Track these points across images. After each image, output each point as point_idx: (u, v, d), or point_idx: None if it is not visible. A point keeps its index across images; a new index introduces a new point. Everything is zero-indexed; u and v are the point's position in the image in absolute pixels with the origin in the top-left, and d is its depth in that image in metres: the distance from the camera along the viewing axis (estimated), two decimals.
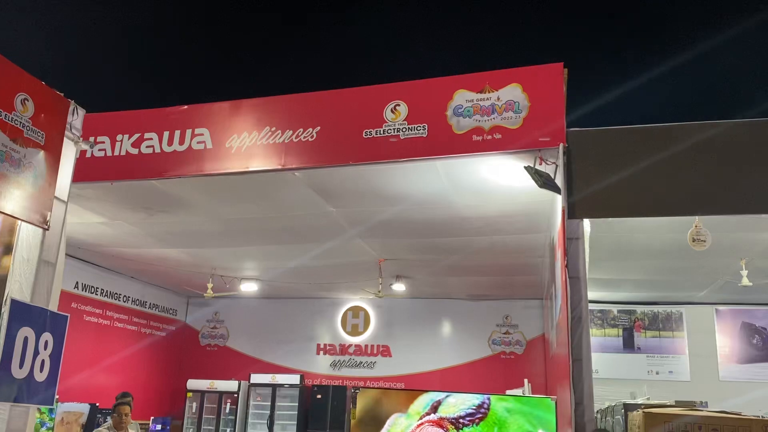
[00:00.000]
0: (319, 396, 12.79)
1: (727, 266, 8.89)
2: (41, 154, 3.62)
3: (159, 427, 11.91)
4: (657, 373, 11.60)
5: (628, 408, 5.07)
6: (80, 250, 9.92)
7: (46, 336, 3.54)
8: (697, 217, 5.40)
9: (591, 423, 4.86)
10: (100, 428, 6.20)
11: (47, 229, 3.65)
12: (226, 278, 11.36)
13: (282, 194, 7.04)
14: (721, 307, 11.80)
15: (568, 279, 5.22)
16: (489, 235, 8.28)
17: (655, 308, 11.98)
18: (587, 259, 5.42)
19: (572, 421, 4.85)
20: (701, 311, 11.81)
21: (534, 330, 12.73)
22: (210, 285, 10.74)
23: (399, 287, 11.46)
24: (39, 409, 8.58)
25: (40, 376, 3.47)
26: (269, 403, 12.72)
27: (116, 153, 6.77)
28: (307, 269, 10.82)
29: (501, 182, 6.36)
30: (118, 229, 8.60)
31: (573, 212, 5.39)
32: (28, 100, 3.52)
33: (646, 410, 4.46)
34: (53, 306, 3.74)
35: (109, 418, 6.70)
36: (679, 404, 5.09)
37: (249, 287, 12.02)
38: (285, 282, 11.86)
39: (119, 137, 6.80)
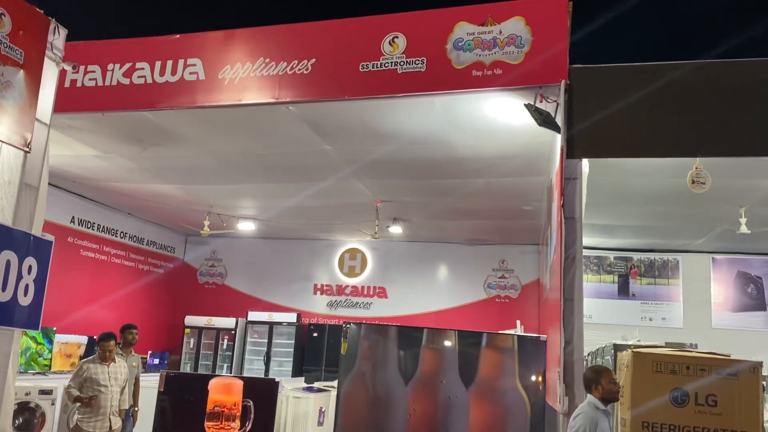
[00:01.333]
0: (315, 334, 12.95)
1: (726, 213, 8.81)
2: (21, 73, 3.50)
3: (157, 361, 12.11)
4: (650, 319, 11.69)
5: (617, 348, 5.08)
6: (75, 184, 9.84)
7: (30, 260, 3.49)
8: (698, 159, 5.27)
9: (580, 362, 4.87)
10: (86, 359, 6.14)
11: (28, 152, 3.56)
12: (223, 217, 11.32)
13: (276, 129, 6.91)
14: (717, 256, 11.80)
15: (563, 219, 5.15)
16: (486, 177, 8.18)
17: (652, 255, 11.99)
18: (584, 201, 5.34)
19: (561, 359, 4.86)
20: (697, 259, 11.82)
21: (529, 275, 12.78)
22: (207, 223, 10.71)
23: (396, 230, 11.43)
24: (35, 339, 8.68)
25: (25, 300, 3.44)
26: (266, 340, 12.90)
27: (107, 83, 6.61)
28: (304, 210, 10.78)
29: (500, 120, 6.21)
30: (113, 163, 8.50)
31: (572, 152, 5.27)
32: (4, 15, 3.37)
33: (635, 350, 4.46)
34: (36, 230, 3.68)
35: (120, 351, 6.78)
36: (668, 346, 5.10)
37: (246, 226, 12.00)
38: (282, 222, 11.84)
39: (110, 66, 6.62)
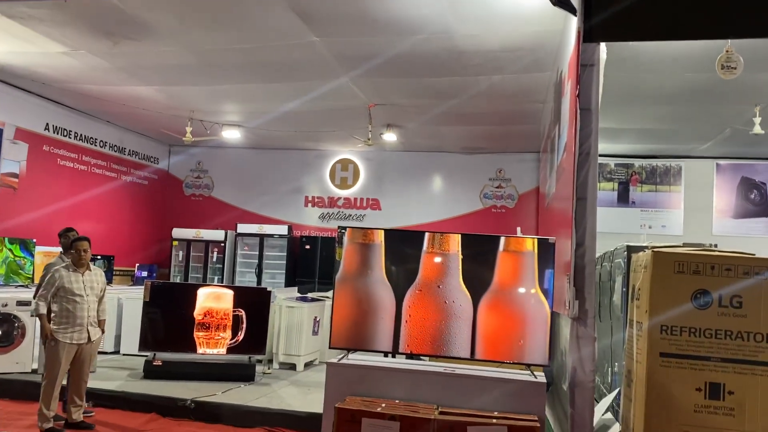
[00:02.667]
0: (307, 246, 12.68)
1: (739, 113, 8.36)
2: None
3: (145, 273, 11.83)
4: (650, 227, 11.45)
5: (632, 250, 4.73)
6: (45, 87, 9.17)
7: None
8: (729, 41, 4.75)
9: (591, 264, 4.53)
10: (57, 267, 5.40)
11: None
12: (206, 123, 10.73)
13: (259, 17, 6.25)
14: (721, 162, 11.44)
15: (578, 111, 4.67)
16: (488, 75, 7.61)
17: (654, 162, 11.61)
18: (601, 90, 4.84)
19: (572, 262, 4.52)
20: (701, 165, 11.47)
21: (527, 184, 12.42)
22: (189, 129, 10.13)
23: (389, 137, 10.91)
24: (12, 252, 8.28)
25: None
26: (257, 253, 12.62)
27: None
28: (292, 116, 10.20)
29: (507, 2, 5.60)
30: (83, 62, 7.83)
31: (589, 34, 4.71)
32: None
33: (655, 249, 4.10)
34: None
35: (64, 257, 5.79)
36: (687, 246, 4.75)
37: (232, 134, 11.43)
38: (269, 129, 11.27)
39: None
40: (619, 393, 5.09)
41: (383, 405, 4.51)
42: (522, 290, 4.67)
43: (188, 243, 12.73)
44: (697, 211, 11.47)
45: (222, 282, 12.40)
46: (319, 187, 13.43)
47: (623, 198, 11.63)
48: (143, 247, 12.79)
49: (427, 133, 11.18)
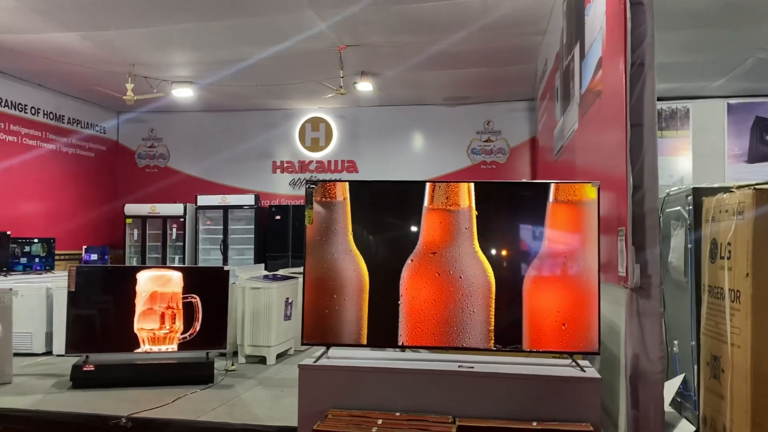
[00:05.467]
0: (278, 217, 11.36)
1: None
2: None
3: (94, 256, 10.43)
4: None
5: (702, 193, 3.54)
6: None
7: None
8: None
9: (654, 214, 3.32)
10: None
11: None
12: (152, 80, 9.26)
13: None
14: (733, 101, 10.31)
15: (628, 5, 3.43)
16: None
17: (659, 105, 10.37)
18: None
19: (629, 211, 3.30)
20: (710, 106, 10.32)
21: (519, 136, 11.20)
22: (129, 86, 8.63)
23: (365, 86, 9.55)
24: None
25: None
26: (221, 227, 11.27)
27: None
28: (251, 69, 8.79)
29: None
30: None
31: None
32: None
33: (758, 187, 2.91)
34: None
35: None
36: None
37: (184, 92, 9.97)
38: (227, 85, 9.84)
39: None
40: (683, 380, 3.94)
41: (379, 422, 3.30)
42: (573, 254, 3.45)
43: (143, 220, 11.32)
44: (707, 157, 10.36)
45: (184, 261, 11.05)
46: (289, 151, 12.07)
47: None
48: (92, 227, 11.35)
49: (406, 82, 9.85)
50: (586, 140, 4.67)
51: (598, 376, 3.32)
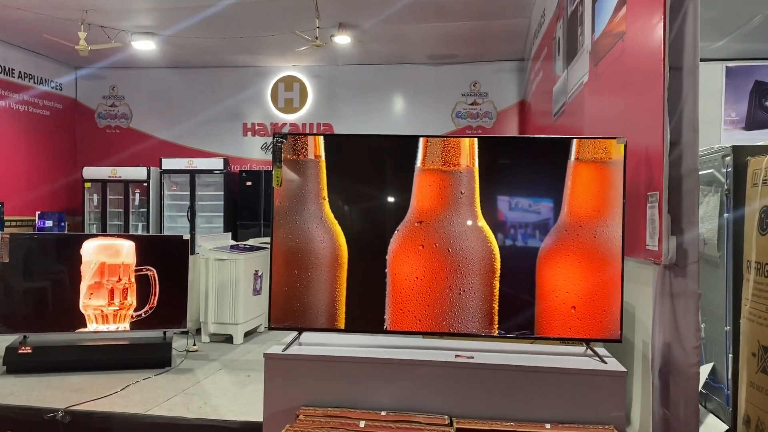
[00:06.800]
0: (249, 183, 10.65)
1: None
2: None
3: (49, 223, 9.66)
4: None
5: (746, 152, 2.99)
6: None
7: None
8: None
9: (694, 177, 2.76)
10: None
11: None
12: (109, 29, 8.41)
13: None
14: (731, 64, 9.79)
15: None
16: None
17: None
18: None
19: (664, 173, 2.73)
20: (708, 70, 9.64)
21: (507, 99, 10.59)
22: (82, 34, 7.80)
23: (342, 39, 8.82)
24: None
25: None
26: (188, 193, 10.54)
27: None
28: (218, 18, 8.00)
29: None
30: None
31: None
32: None
33: None
34: None
35: None
36: None
37: (145, 45, 9.13)
38: (192, 37, 9.02)
39: None
40: (712, 370, 3.44)
41: (362, 424, 2.73)
42: (595, 224, 2.87)
43: (104, 184, 10.52)
44: (701, 124, 9.83)
45: (148, 229, 10.33)
46: (260, 113, 11.31)
47: None
48: (49, 192, 10.55)
49: (387, 35, 9.13)
50: (600, 93, 4.08)
51: (622, 368, 2.78)
